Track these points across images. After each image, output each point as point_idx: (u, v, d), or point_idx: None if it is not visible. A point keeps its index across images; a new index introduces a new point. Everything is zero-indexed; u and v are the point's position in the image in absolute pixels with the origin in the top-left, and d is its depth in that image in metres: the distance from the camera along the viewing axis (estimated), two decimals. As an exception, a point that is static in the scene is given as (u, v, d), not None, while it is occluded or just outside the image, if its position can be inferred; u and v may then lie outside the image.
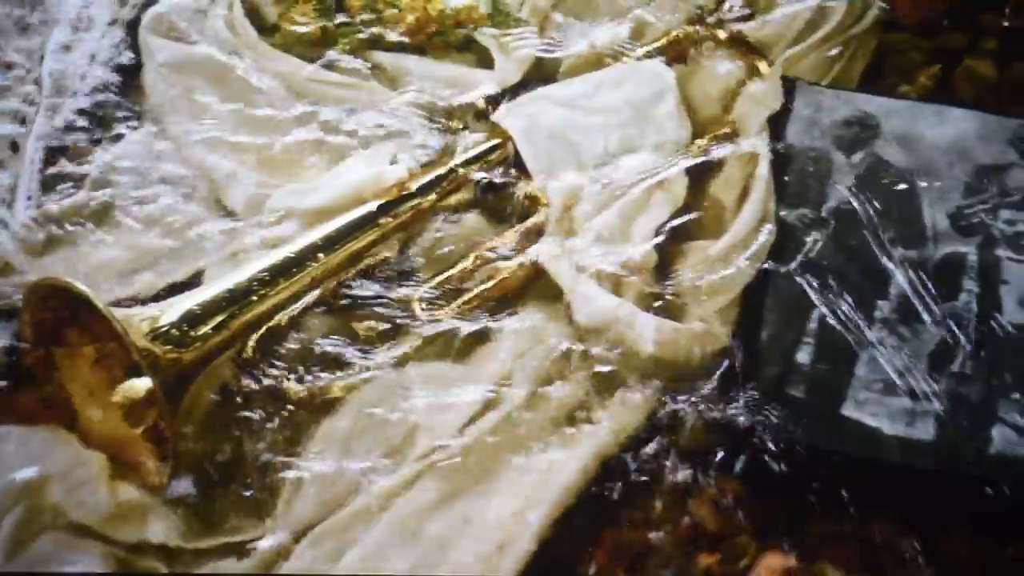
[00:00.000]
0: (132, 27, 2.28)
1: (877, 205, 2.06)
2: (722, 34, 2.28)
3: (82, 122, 2.16)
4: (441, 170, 2.05)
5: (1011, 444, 1.79)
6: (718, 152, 2.12)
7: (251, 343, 1.83)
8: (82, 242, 2.02)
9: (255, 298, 1.80)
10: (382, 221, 1.96)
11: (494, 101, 2.17)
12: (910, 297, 1.95)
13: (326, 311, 1.91)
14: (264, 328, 1.84)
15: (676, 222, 2.04)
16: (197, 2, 2.31)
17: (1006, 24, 2.38)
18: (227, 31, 2.28)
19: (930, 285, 1.96)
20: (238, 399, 1.81)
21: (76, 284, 1.65)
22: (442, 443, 1.77)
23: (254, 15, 2.34)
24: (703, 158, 2.11)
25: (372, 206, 1.97)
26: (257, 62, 2.24)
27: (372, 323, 1.89)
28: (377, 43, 2.28)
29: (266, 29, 2.30)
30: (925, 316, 1.92)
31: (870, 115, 2.18)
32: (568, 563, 1.71)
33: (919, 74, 2.34)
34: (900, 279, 1.97)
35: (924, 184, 2.09)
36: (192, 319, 1.73)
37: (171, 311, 1.73)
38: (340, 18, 2.28)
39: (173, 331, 1.70)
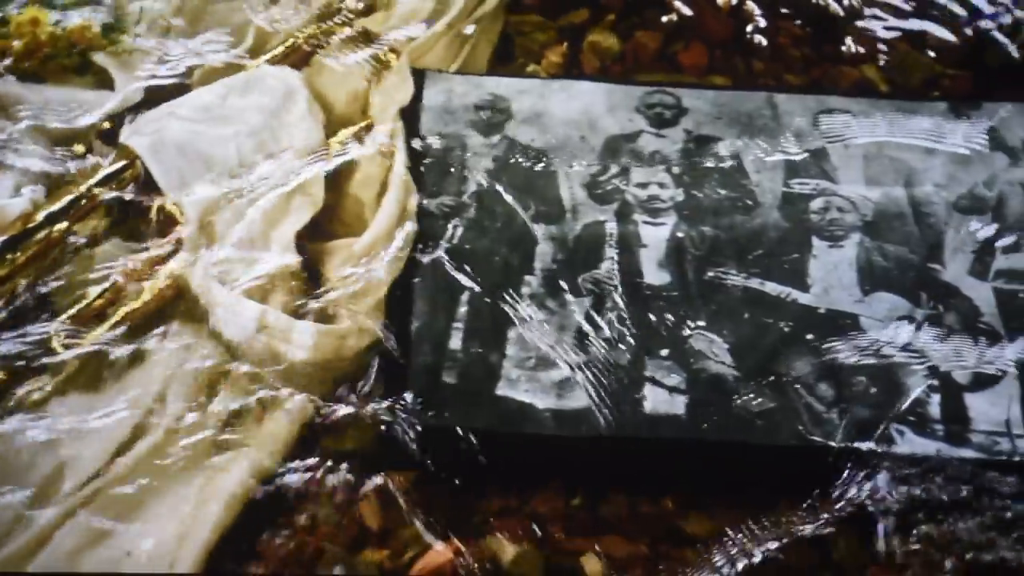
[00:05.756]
0: None
1: (516, 185, 2.11)
2: (347, 31, 2.28)
3: None
4: (69, 197, 1.99)
5: (662, 403, 1.86)
6: (354, 150, 2.12)
7: None
8: None
9: None
10: (9, 257, 1.90)
11: (118, 120, 2.12)
12: (555, 271, 2.00)
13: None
14: None
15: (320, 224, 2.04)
16: None
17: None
18: None
19: (573, 257, 2.03)
20: None
21: None
22: (93, 475, 1.72)
23: None
24: (340, 158, 2.11)
25: (-4, 242, 1.90)
26: None
27: (7, 366, 1.81)
28: (-16, 72, 2.18)
29: None
30: (570, 288, 1.98)
31: (501, 98, 2.23)
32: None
33: (547, 53, 2.41)
34: (544, 254, 2.02)
35: (559, 159, 2.15)
36: None
37: None
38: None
39: None
